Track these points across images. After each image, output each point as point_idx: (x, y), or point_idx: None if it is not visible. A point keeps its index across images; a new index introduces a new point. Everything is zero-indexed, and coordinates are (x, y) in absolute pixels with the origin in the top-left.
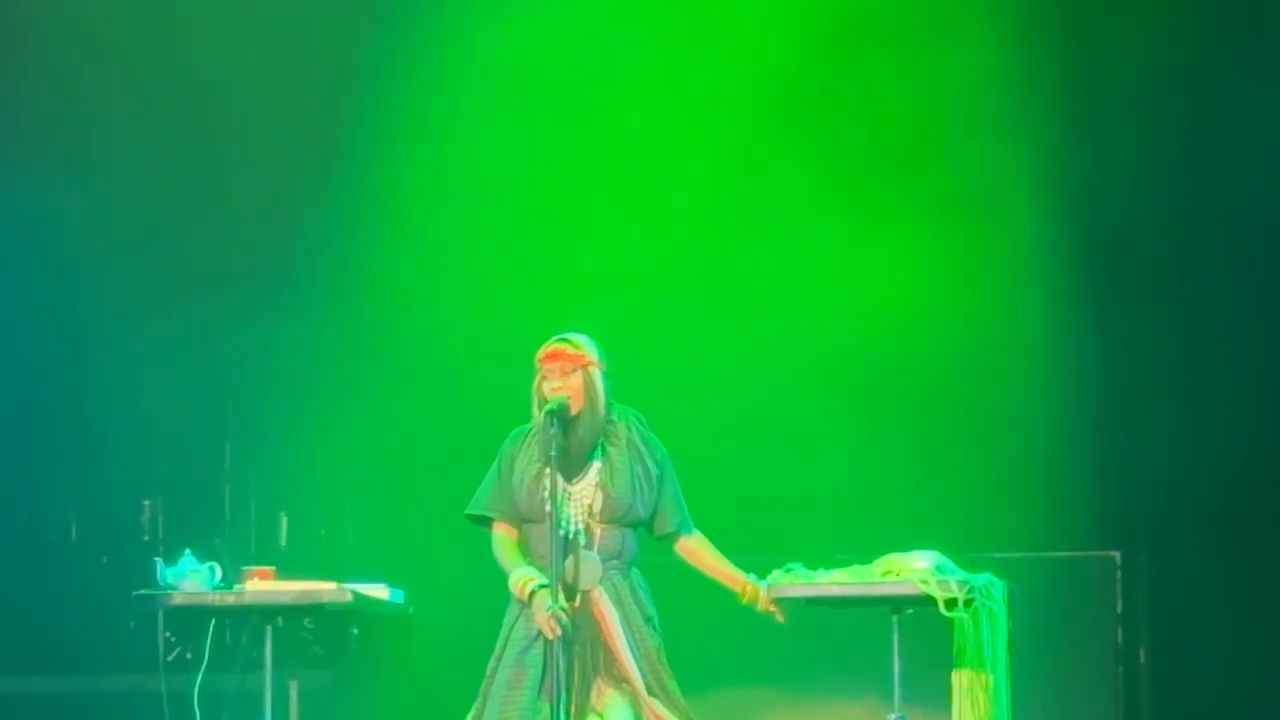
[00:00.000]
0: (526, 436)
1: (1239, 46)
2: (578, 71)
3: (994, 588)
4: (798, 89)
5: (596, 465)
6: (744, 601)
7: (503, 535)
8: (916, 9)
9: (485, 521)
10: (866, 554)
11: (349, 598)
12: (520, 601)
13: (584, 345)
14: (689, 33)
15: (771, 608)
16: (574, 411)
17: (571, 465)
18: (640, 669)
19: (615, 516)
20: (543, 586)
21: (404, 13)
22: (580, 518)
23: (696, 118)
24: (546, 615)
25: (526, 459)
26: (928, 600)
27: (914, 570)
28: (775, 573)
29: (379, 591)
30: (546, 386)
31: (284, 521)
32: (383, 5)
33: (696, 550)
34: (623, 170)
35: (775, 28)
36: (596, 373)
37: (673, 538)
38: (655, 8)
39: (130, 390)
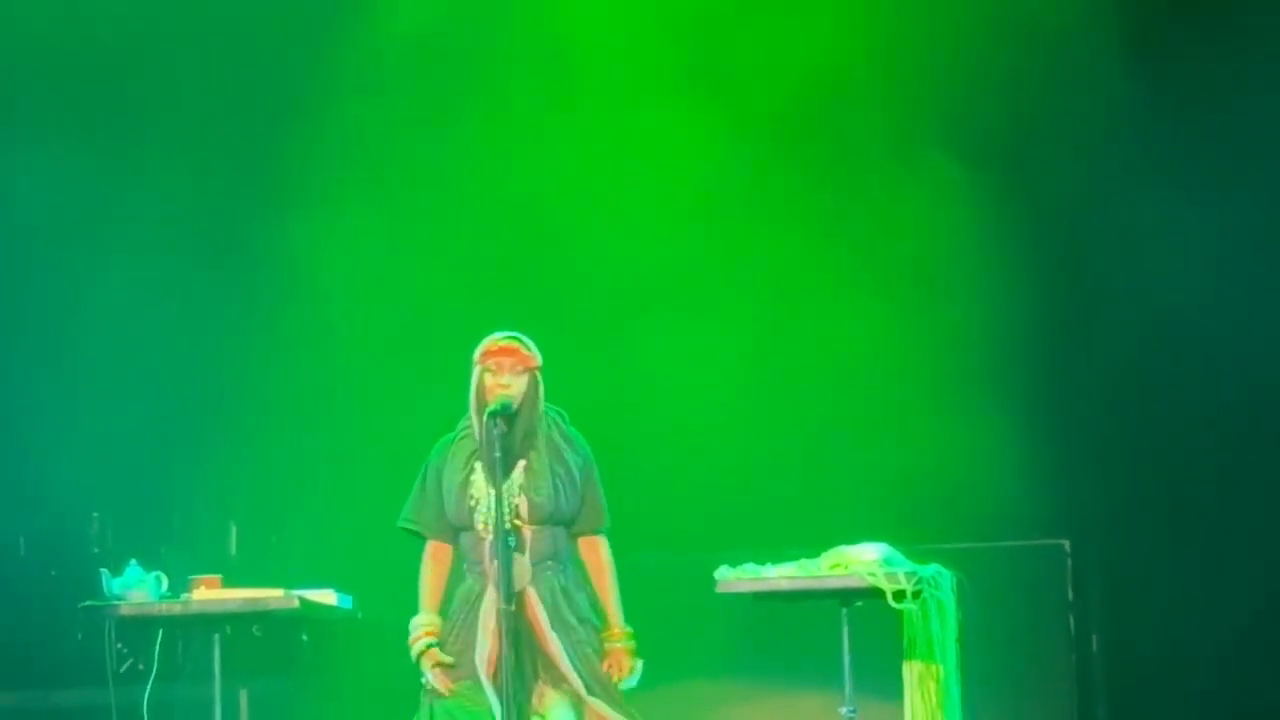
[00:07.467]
0: (452, 445)
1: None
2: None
3: (942, 578)
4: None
5: (521, 467)
6: (601, 637)
7: (428, 558)
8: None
9: (418, 536)
10: (815, 547)
11: (296, 604)
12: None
13: (533, 347)
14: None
15: (623, 670)
16: (513, 410)
17: (500, 468)
18: (577, 668)
19: (542, 519)
20: (430, 646)
21: None
22: (509, 520)
23: (644, 111)
24: (435, 673)
25: (452, 469)
26: (876, 592)
27: (862, 563)
28: (723, 568)
29: (327, 597)
30: (491, 381)
31: (233, 531)
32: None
33: (596, 562)
34: (559, 171)
35: None
36: (539, 377)
37: (582, 534)
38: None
39: (76, 401)
